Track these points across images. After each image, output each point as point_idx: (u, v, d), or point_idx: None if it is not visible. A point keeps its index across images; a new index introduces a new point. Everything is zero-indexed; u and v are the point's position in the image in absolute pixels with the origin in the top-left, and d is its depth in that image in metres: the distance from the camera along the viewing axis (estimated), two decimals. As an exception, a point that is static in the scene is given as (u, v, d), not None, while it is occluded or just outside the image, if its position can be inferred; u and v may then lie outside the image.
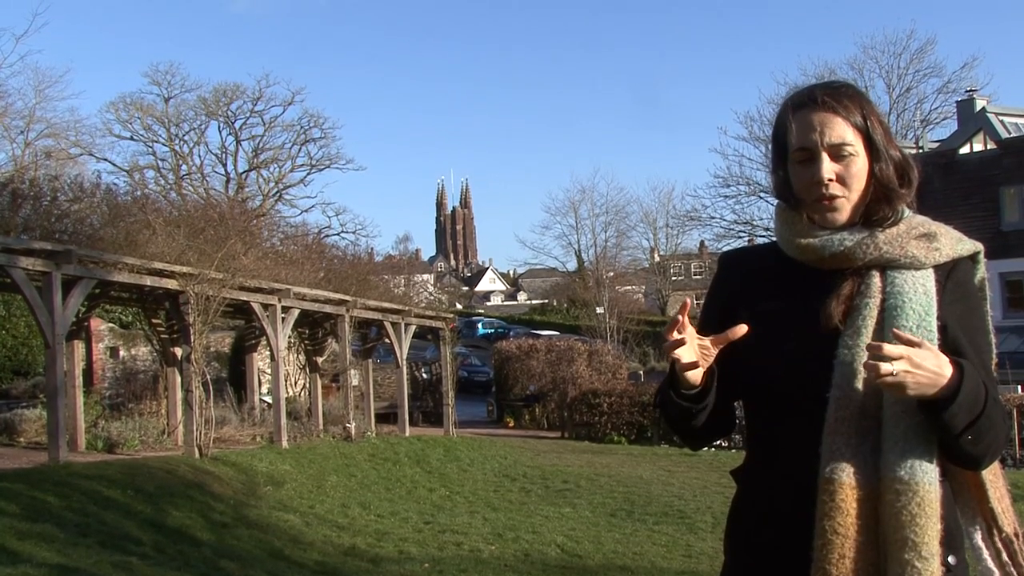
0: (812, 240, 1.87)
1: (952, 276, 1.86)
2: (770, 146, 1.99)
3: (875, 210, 1.87)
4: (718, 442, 20.00)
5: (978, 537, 1.87)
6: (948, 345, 1.79)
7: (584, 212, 52.17)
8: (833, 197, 1.85)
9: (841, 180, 1.85)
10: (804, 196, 1.88)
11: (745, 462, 1.99)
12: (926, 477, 1.70)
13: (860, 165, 1.86)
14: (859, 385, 1.75)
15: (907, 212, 1.91)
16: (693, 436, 1.97)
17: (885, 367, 1.62)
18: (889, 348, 1.63)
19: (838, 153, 1.84)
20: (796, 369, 1.82)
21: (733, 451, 18.18)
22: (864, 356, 1.74)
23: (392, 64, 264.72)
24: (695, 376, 1.81)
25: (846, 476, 1.71)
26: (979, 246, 1.92)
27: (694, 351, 1.80)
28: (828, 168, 1.84)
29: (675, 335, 1.76)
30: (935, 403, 1.67)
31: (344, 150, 71.15)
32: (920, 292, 1.81)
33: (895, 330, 1.71)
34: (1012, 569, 1.85)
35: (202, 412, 11.95)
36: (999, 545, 1.85)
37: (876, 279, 1.84)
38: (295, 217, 36.97)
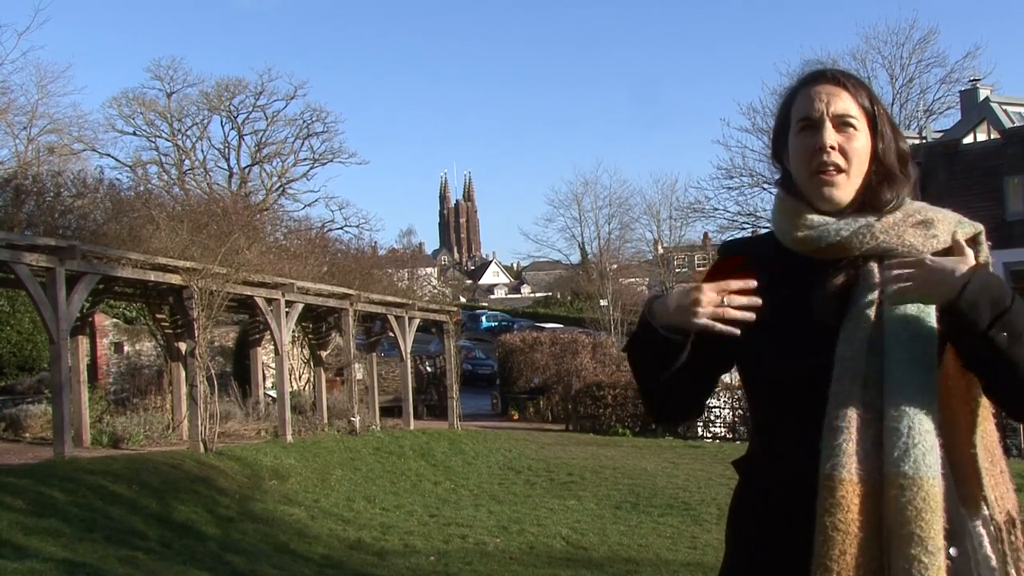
0: (809, 232, 1.84)
1: None
2: (770, 135, 1.98)
3: (876, 194, 1.85)
4: (716, 432, 20.03)
5: (976, 523, 1.86)
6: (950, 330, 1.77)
7: (587, 204, 51.88)
8: (835, 168, 1.83)
9: (843, 152, 1.83)
10: (802, 169, 1.86)
11: (748, 453, 1.97)
12: (930, 472, 1.69)
13: (863, 142, 1.84)
14: (859, 380, 1.73)
15: (906, 199, 1.88)
16: (663, 394, 1.90)
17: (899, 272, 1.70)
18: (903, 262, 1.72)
19: (842, 124, 1.83)
20: (796, 364, 1.80)
21: (737, 442, 18.19)
22: (865, 352, 1.74)
23: (395, 59, 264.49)
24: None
25: (847, 472, 1.70)
26: (979, 227, 1.90)
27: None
28: (831, 136, 1.82)
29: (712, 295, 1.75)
30: (954, 302, 1.69)
31: (347, 144, 71.22)
32: None
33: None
34: (1007, 554, 1.85)
35: (207, 407, 11.97)
36: (993, 531, 1.85)
37: (875, 270, 1.82)
38: (298, 211, 36.78)
